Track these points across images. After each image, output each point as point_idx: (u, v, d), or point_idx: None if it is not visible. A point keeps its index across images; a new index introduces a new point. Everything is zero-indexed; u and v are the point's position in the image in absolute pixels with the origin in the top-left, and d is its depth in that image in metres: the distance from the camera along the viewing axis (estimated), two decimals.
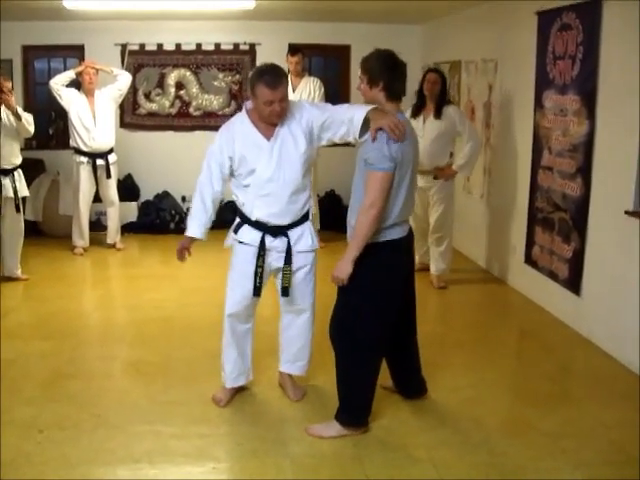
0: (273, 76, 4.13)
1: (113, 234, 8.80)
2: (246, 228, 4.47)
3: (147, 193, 10.18)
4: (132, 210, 9.85)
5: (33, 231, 9.05)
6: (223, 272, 7.84)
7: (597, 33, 5.53)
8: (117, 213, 8.79)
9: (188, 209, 9.93)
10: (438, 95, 6.94)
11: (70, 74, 8.32)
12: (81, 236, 8.56)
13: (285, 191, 4.27)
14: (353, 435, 4.18)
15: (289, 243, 4.40)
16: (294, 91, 8.66)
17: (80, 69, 8.32)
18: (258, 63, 10.07)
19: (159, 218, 9.78)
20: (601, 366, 5.36)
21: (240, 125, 4.34)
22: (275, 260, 4.45)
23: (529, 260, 6.84)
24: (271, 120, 4.20)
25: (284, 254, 4.40)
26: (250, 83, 4.24)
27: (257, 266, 4.43)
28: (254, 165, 4.26)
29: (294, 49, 8.74)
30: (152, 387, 4.88)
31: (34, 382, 4.87)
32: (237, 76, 10.26)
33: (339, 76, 10.46)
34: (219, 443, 4.14)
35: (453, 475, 3.83)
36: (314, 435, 4.19)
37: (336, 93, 10.14)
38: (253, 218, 4.40)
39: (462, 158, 6.97)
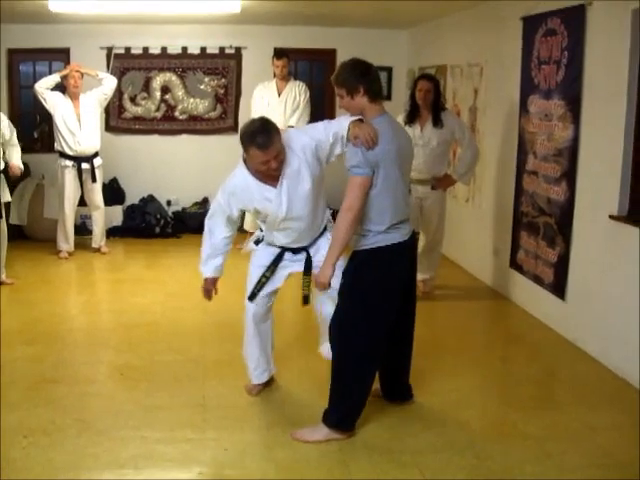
0: (264, 137, 4.07)
1: (98, 238, 8.77)
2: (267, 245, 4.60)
3: (132, 197, 10.16)
4: (117, 214, 9.82)
5: (18, 235, 9.04)
6: None
7: (582, 38, 5.56)
8: (102, 217, 8.76)
9: (173, 213, 9.98)
10: (432, 102, 6.70)
11: (55, 78, 8.29)
12: (66, 240, 8.52)
13: (300, 224, 4.36)
14: (339, 439, 4.18)
15: (309, 254, 4.52)
16: (279, 95, 8.66)
17: (65, 72, 8.30)
18: (244, 67, 10.09)
19: (144, 222, 9.75)
20: (587, 370, 5.37)
21: (244, 181, 4.33)
22: (294, 267, 4.59)
23: (514, 264, 6.86)
24: (270, 178, 4.24)
25: (303, 261, 4.52)
26: (242, 144, 4.21)
27: (263, 275, 4.60)
28: (266, 212, 4.34)
29: (280, 53, 8.73)
30: (137, 392, 4.85)
31: (19, 387, 4.84)
32: (223, 80, 10.25)
33: (325, 80, 10.46)
34: (205, 448, 4.12)
35: (439, 479, 3.83)
36: (299, 439, 4.18)
37: (322, 97, 10.16)
38: (276, 244, 4.54)
39: (463, 167, 6.76)
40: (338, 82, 4.11)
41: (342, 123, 4.14)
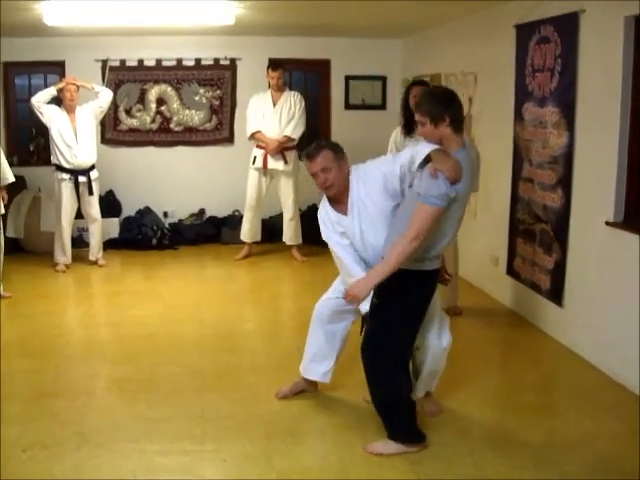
0: (311, 149, 4.36)
1: (95, 251, 8.77)
2: None
3: (129, 209, 10.16)
4: (114, 226, 9.81)
5: (15, 248, 9.04)
6: (205, 288, 7.95)
7: (575, 46, 5.59)
8: (100, 229, 8.76)
9: (170, 224, 9.98)
10: None
11: (51, 91, 8.30)
12: (63, 253, 8.52)
13: (376, 253, 4.26)
14: (412, 452, 4.16)
15: None
16: (274, 106, 8.68)
17: (61, 85, 8.31)
18: (239, 78, 10.12)
19: (141, 234, 9.75)
20: (585, 377, 5.37)
21: (324, 210, 4.47)
22: None
23: (511, 272, 6.87)
24: (327, 193, 4.36)
25: None
26: None
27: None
28: (344, 234, 4.38)
29: (275, 64, 8.76)
30: (136, 404, 4.85)
31: (17, 400, 4.83)
32: (218, 91, 10.26)
33: (319, 90, 10.50)
34: (204, 459, 4.12)
35: None
36: (374, 453, 4.15)
37: (316, 107, 10.18)
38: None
39: None
40: (421, 111, 4.00)
41: (418, 150, 4.07)
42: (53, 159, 8.37)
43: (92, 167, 8.48)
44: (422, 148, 4.04)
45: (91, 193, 8.47)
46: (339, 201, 4.36)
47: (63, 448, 4.20)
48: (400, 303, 4.06)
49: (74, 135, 8.25)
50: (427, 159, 3.95)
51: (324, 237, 4.48)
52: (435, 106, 3.95)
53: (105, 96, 8.51)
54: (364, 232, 4.29)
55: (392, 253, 3.89)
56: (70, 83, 8.29)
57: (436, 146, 3.98)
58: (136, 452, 4.18)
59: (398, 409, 4.23)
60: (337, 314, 4.71)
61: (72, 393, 5.04)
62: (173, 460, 4.10)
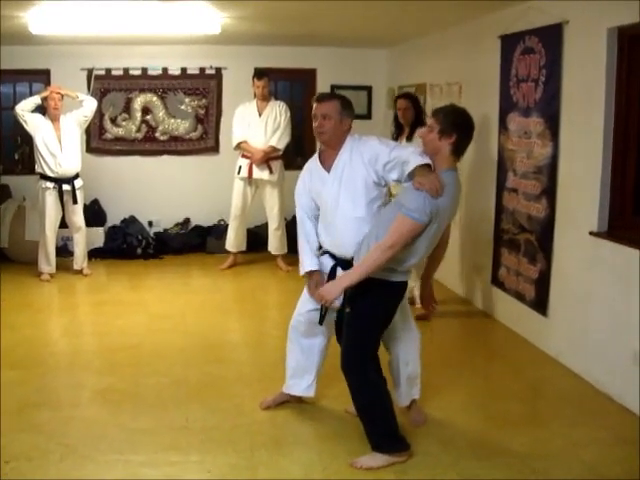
0: (323, 94, 4.63)
1: (80, 260, 8.74)
2: (325, 256, 4.56)
3: (114, 218, 10.13)
4: (99, 235, 9.78)
5: None
6: (190, 297, 7.93)
7: (559, 56, 5.62)
8: (84, 238, 8.73)
9: (155, 234, 9.96)
10: (413, 119, 7.00)
11: (35, 99, 8.28)
12: (47, 262, 8.48)
13: (345, 224, 4.34)
14: (399, 462, 4.17)
15: None
16: (260, 115, 8.69)
17: (45, 94, 8.29)
18: (224, 87, 10.12)
19: (126, 243, 9.72)
20: (569, 386, 5.39)
21: (308, 165, 4.64)
22: None
23: (496, 281, 6.89)
24: (318, 138, 4.47)
25: None
26: None
27: None
28: (318, 196, 4.47)
29: (260, 73, 8.76)
30: (121, 415, 4.83)
31: (1, 411, 4.78)
32: (203, 100, 10.27)
33: (305, 100, 10.49)
34: (189, 470, 4.11)
35: None
36: (363, 468, 4.13)
37: (302, 116, 10.18)
38: (324, 247, 4.53)
39: None
40: (438, 117, 4.05)
41: (411, 157, 4.12)
42: (37, 168, 8.34)
43: (76, 176, 8.45)
44: (413, 158, 4.08)
45: (75, 202, 8.44)
46: (328, 157, 4.45)
47: (47, 459, 4.18)
48: (367, 312, 4.10)
49: (58, 144, 8.22)
50: (412, 173, 4.02)
51: (296, 196, 4.62)
52: (452, 120, 4.02)
53: (89, 105, 8.49)
54: (340, 196, 4.33)
55: (366, 260, 3.96)
56: (54, 92, 8.27)
57: (425, 159, 4.04)
58: (121, 463, 4.16)
59: (381, 417, 4.22)
60: (311, 327, 4.71)
61: (56, 404, 5.02)
62: (158, 471, 4.09)
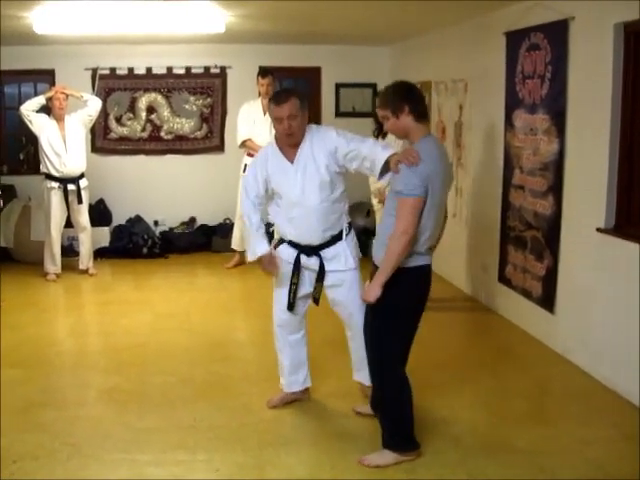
0: (280, 94, 4.54)
1: (86, 260, 8.74)
2: (284, 246, 4.69)
3: (119, 218, 10.13)
4: (104, 235, 9.78)
5: (4, 257, 9.02)
6: (195, 296, 7.92)
7: (565, 53, 5.59)
8: (89, 238, 8.73)
9: (161, 233, 9.95)
10: None
11: (40, 100, 8.28)
12: (53, 262, 8.49)
13: (310, 214, 4.49)
14: (408, 460, 4.15)
15: (322, 262, 4.59)
16: (265, 114, 8.67)
17: (50, 94, 8.29)
18: (229, 86, 10.12)
19: (132, 243, 9.72)
20: (577, 383, 5.37)
21: (265, 151, 4.68)
22: (313, 278, 4.68)
23: (503, 279, 6.87)
24: (284, 139, 4.48)
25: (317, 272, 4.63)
26: (268, 109, 4.68)
27: (291, 283, 4.65)
28: (281, 188, 4.52)
29: (264, 71, 8.75)
30: (127, 414, 4.82)
31: (6, 411, 4.78)
32: (208, 99, 10.26)
33: (310, 98, 10.46)
34: (196, 470, 4.10)
35: None
36: (370, 465, 4.12)
37: None
38: (286, 239, 4.65)
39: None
40: (382, 103, 4.12)
41: (375, 154, 4.29)
42: (42, 168, 8.34)
43: (81, 175, 8.46)
44: (379, 155, 4.26)
45: (80, 202, 8.45)
46: (290, 150, 4.51)
47: (53, 459, 4.18)
48: (388, 304, 4.05)
49: (63, 143, 8.23)
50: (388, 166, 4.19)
51: (244, 189, 4.67)
52: (393, 97, 4.08)
53: (94, 104, 8.49)
54: (306, 187, 4.44)
55: (387, 254, 3.96)
56: (59, 92, 8.27)
57: (389, 150, 4.24)
58: (127, 462, 4.16)
59: (400, 416, 4.20)
60: (295, 323, 4.83)
61: (62, 403, 5.02)
62: (165, 470, 4.08)
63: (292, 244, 4.63)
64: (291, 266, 4.62)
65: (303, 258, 4.60)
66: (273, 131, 8.64)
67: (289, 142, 4.47)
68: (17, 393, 5.14)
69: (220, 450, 4.32)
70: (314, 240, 4.55)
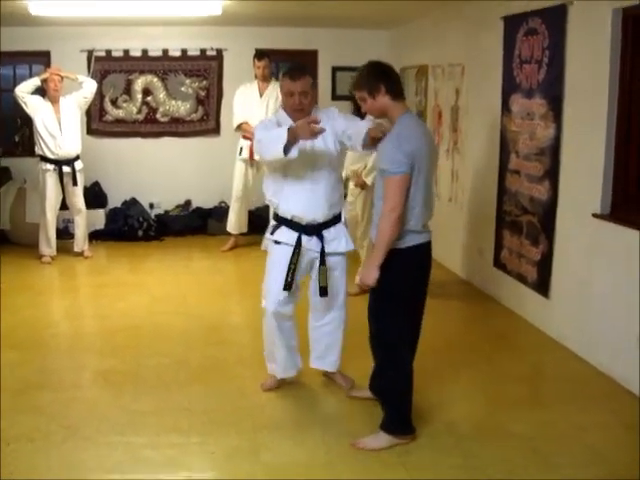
0: (295, 70, 4.53)
1: (81, 242, 8.73)
2: (283, 229, 4.65)
3: (115, 200, 10.11)
4: (99, 217, 9.76)
5: (0, 240, 8.98)
6: (190, 279, 7.93)
7: (563, 38, 5.58)
8: (84, 221, 8.71)
9: (156, 216, 9.94)
10: None
11: (35, 81, 8.24)
12: (48, 244, 8.47)
13: (319, 187, 4.53)
14: (402, 444, 4.16)
15: (323, 244, 4.60)
16: (261, 96, 8.65)
17: (45, 76, 8.24)
18: (225, 69, 10.08)
19: (127, 225, 9.70)
20: (572, 368, 5.39)
21: (283, 116, 4.62)
22: (310, 261, 4.67)
23: (498, 263, 6.88)
24: (294, 113, 4.50)
25: (319, 255, 4.61)
26: (280, 82, 4.70)
27: (291, 262, 4.57)
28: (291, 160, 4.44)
29: (261, 54, 8.73)
30: (122, 397, 4.83)
31: (2, 393, 4.78)
32: (204, 82, 10.22)
33: None
34: (192, 452, 4.11)
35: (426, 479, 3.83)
36: (364, 448, 4.13)
37: None
38: (289, 216, 4.58)
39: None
40: (358, 84, 4.12)
41: (362, 127, 4.32)
42: (37, 150, 8.32)
43: (76, 157, 8.43)
44: (363, 125, 4.33)
45: (75, 184, 8.42)
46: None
47: (49, 441, 4.18)
48: (385, 287, 4.04)
49: (58, 125, 8.20)
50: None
51: (258, 129, 4.59)
52: (368, 78, 4.08)
53: (89, 86, 8.45)
54: (317, 160, 4.52)
55: (378, 234, 3.98)
56: (54, 73, 8.24)
57: (368, 122, 4.37)
58: (122, 445, 4.16)
59: (399, 399, 4.21)
60: (289, 309, 4.76)
61: (58, 386, 5.02)
62: (160, 453, 4.09)
63: (293, 225, 4.59)
64: (291, 249, 4.58)
65: (304, 239, 4.58)
66: (269, 114, 8.73)
67: (298, 117, 4.46)
68: (13, 375, 5.14)
69: (215, 433, 4.32)
70: (319, 216, 4.55)
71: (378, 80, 4.03)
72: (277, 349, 4.83)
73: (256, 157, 8.65)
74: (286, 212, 4.60)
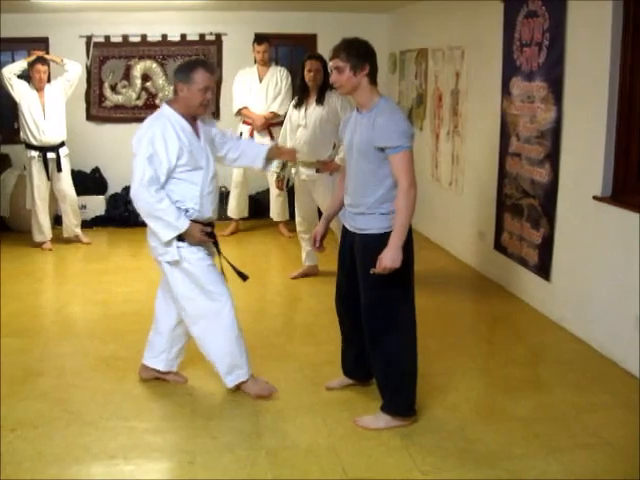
0: (211, 64, 4.58)
1: (70, 229, 8.70)
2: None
3: (115, 186, 10.08)
4: (100, 203, 9.77)
5: (0, 227, 8.98)
6: None
7: (563, 20, 5.56)
8: (72, 206, 8.63)
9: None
10: (321, 82, 6.62)
11: (22, 64, 8.19)
12: (40, 231, 8.45)
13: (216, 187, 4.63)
14: (402, 426, 4.18)
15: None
16: (261, 81, 8.65)
17: (31, 59, 8.20)
18: (224, 54, 10.05)
19: (127, 211, 9.67)
20: (572, 351, 5.40)
21: (176, 120, 4.38)
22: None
23: (499, 247, 6.88)
24: (201, 110, 4.40)
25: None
26: (186, 70, 4.39)
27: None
28: (198, 163, 4.42)
29: (260, 38, 8.72)
30: (125, 382, 4.85)
31: (4, 380, 4.80)
32: None
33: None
34: (194, 437, 4.12)
35: (428, 462, 3.84)
36: (363, 427, 4.17)
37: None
38: (204, 217, 4.65)
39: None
40: (342, 57, 4.03)
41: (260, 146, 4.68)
42: (22, 135, 8.29)
43: (62, 144, 8.40)
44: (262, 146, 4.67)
45: (59, 170, 8.36)
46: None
47: (52, 427, 4.20)
48: (404, 268, 3.96)
49: (42, 112, 8.16)
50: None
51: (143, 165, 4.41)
52: (357, 53, 4.03)
53: (73, 70, 8.37)
54: (211, 160, 4.53)
55: (399, 213, 3.89)
56: (37, 54, 8.19)
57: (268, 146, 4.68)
58: (126, 430, 4.17)
59: (408, 382, 4.21)
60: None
61: (60, 372, 5.03)
62: (163, 438, 4.10)
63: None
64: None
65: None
66: (269, 99, 8.71)
67: (202, 113, 4.46)
68: (15, 362, 5.15)
69: (217, 417, 4.34)
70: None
71: (366, 59, 4.02)
72: (242, 347, 4.61)
73: (256, 142, 8.67)
74: (200, 213, 4.64)
